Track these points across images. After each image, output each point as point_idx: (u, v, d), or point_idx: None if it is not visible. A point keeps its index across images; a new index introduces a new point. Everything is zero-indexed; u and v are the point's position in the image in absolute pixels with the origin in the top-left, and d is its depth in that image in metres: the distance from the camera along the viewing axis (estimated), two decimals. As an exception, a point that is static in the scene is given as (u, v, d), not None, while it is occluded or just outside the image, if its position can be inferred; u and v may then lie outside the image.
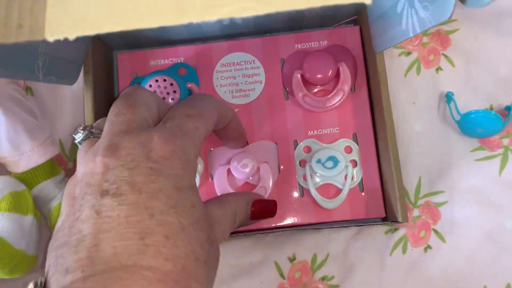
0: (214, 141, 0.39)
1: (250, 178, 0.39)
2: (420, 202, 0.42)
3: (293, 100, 0.40)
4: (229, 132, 0.33)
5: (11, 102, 0.39)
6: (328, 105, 0.39)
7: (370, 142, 0.39)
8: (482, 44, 0.43)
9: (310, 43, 0.41)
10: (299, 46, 0.41)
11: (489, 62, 0.43)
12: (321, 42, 0.41)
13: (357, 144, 0.39)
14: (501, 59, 0.43)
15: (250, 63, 0.41)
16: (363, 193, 0.39)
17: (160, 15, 0.20)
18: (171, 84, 0.38)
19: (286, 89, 0.40)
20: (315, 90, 0.40)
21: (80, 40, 0.38)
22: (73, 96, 0.44)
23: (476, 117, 0.39)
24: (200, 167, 0.39)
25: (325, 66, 0.38)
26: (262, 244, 0.41)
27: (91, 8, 0.20)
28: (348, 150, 0.39)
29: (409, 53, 0.44)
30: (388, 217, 0.38)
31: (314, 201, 0.38)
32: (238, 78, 0.41)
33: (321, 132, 0.40)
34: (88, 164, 0.24)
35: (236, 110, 0.40)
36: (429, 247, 0.41)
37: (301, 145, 0.40)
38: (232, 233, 0.30)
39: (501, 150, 0.42)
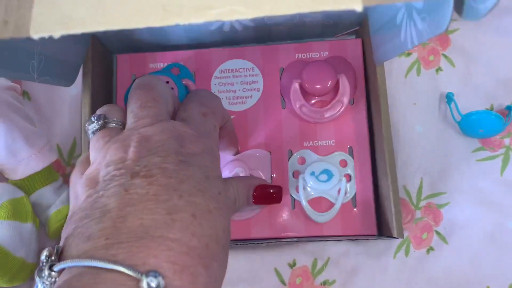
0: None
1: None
2: (422, 204, 0.41)
3: (290, 109, 0.39)
4: (222, 134, 0.33)
5: (8, 108, 0.38)
6: (325, 116, 0.38)
7: (365, 157, 0.38)
8: (482, 44, 0.43)
9: (310, 53, 0.41)
10: (300, 55, 0.41)
11: (489, 62, 0.43)
12: (322, 52, 0.40)
13: (353, 158, 0.38)
14: (501, 59, 0.43)
15: (249, 70, 0.40)
16: (355, 209, 0.38)
17: (147, 16, 0.20)
18: (167, 82, 0.39)
19: (283, 98, 0.40)
20: (313, 100, 0.39)
21: (78, 42, 0.38)
22: (71, 101, 0.44)
23: (477, 118, 0.39)
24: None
25: (325, 77, 0.37)
26: (261, 251, 0.41)
27: (78, 6, 0.20)
28: (343, 163, 0.38)
29: (409, 54, 0.44)
30: (384, 232, 0.37)
31: (305, 214, 0.37)
32: (236, 85, 0.40)
33: (317, 143, 0.39)
34: (117, 152, 0.24)
35: (231, 117, 0.39)
36: (431, 249, 0.41)
37: (296, 155, 0.39)
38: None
39: (502, 150, 0.42)
